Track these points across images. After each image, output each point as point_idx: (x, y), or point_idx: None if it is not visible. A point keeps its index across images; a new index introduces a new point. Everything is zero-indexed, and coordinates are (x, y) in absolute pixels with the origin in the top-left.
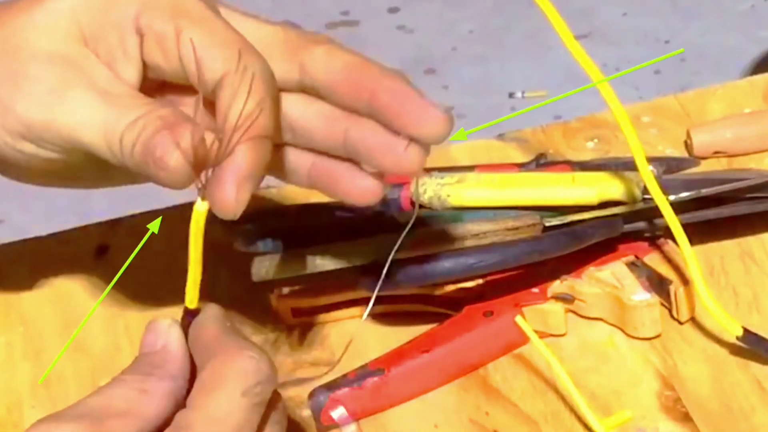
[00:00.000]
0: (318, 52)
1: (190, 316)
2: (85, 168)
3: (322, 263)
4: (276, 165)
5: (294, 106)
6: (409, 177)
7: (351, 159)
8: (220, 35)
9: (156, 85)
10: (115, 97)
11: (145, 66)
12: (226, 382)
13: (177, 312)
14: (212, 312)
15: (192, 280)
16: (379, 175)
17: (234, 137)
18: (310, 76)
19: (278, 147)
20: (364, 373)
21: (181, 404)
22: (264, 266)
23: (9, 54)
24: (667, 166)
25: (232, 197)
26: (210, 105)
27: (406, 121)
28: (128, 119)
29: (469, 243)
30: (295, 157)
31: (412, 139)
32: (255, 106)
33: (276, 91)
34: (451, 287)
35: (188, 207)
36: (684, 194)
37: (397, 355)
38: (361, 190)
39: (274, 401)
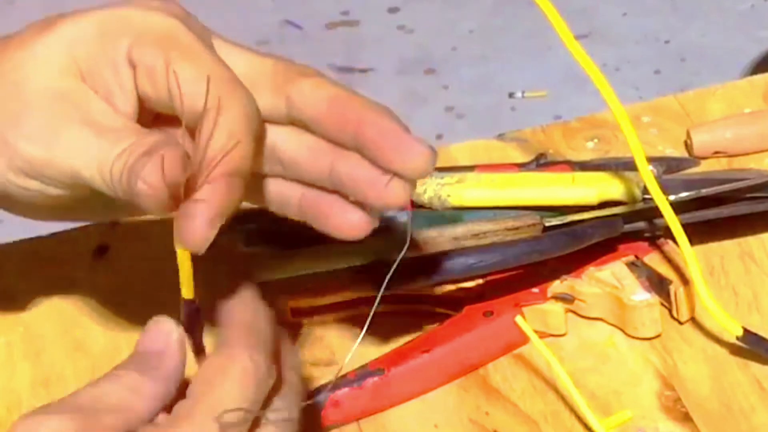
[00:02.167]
0: (305, 85)
1: (187, 306)
2: (91, 202)
3: (321, 263)
4: (266, 196)
5: (282, 139)
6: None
7: (338, 191)
8: (207, 69)
9: (153, 117)
10: (108, 130)
11: (140, 98)
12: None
13: (176, 313)
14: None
15: (185, 272)
16: (367, 207)
17: (207, 172)
18: (297, 109)
19: (268, 178)
20: (364, 373)
21: (167, 408)
22: (264, 266)
23: (9, 91)
24: (667, 166)
25: (199, 235)
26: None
27: (390, 157)
28: (119, 150)
29: (469, 243)
30: (285, 189)
31: (395, 174)
32: (231, 142)
33: (259, 128)
34: (451, 287)
35: None
36: (684, 194)
37: (397, 355)
38: (350, 224)
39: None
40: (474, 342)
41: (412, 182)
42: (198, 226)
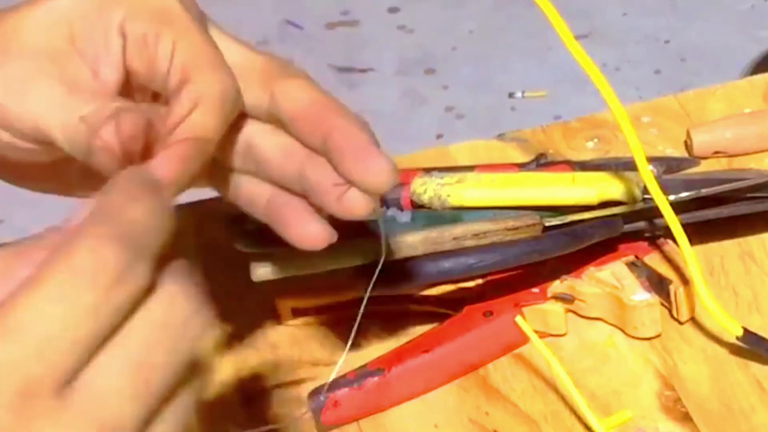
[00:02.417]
0: (290, 84)
1: None
2: (64, 168)
3: (322, 263)
4: (236, 191)
5: (260, 136)
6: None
7: (306, 196)
8: (194, 45)
9: (138, 93)
10: (82, 91)
11: (128, 72)
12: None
13: None
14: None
15: None
16: (330, 219)
17: (168, 142)
18: (278, 106)
19: (240, 174)
20: (364, 373)
21: None
22: (264, 266)
23: (1, 49)
24: (667, 166)
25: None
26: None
27: (351, 166)
28: (85, 111)
29: (469, 243)
30: (256, 188)
31: (353, 184)
32: (201, 119)
33: (234, 110)
34: (451, 287)
35: (187, 207)
36: (684, 194)
37: (397, 355)
38: (308, 235)
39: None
40: (474, 342)
41: (372, 195)
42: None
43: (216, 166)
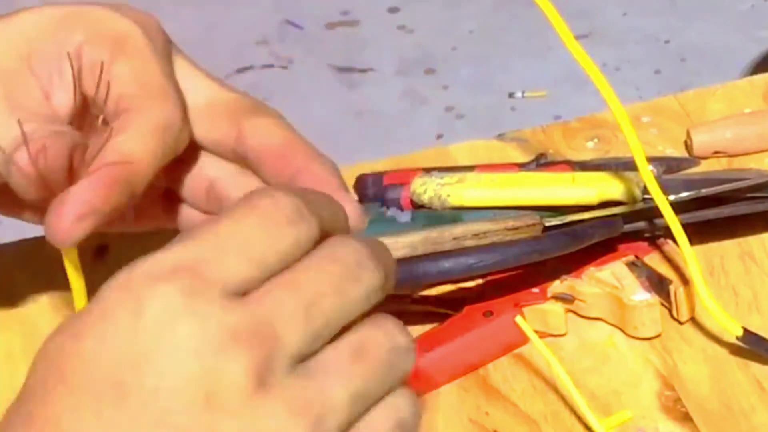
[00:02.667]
0: (261, 122)
1: None
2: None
3: None
4: (181, 225)
5: (224, 177)
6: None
7: None
8: (145, 74)
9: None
10: (21, 111)
11: (84, 99)
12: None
13: None
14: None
15: (75, 281)
16: None
17: (92, 168)
18: (244, 144)
19: (194, 211)
20: None
21: None
22: None
23: None
24: (667, 166)
25: (63, 229)
26: None
27: None
28: (17, 132)
29: (469, 243)
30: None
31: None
32: (130, 145)
33: (175, 144)
34: (451, 287)
35: None
36: (684, 194)
37: None
38: None
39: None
40: (474, 342)
41: None
42: (63, 220)
43: (177, 205)
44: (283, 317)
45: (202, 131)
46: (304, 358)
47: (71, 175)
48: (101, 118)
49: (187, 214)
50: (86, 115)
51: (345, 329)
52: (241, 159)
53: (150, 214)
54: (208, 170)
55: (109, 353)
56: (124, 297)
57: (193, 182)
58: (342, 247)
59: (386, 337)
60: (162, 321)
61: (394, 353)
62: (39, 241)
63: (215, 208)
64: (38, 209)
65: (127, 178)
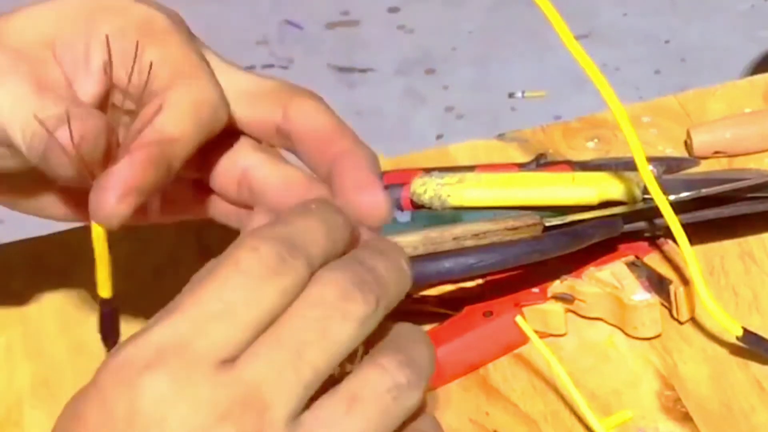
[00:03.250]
0: (307, 104)
1: (103, 307)
2: (24, 182)
3: None
4: (228, 217)
5: (257, 166)
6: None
7: None
8: (176, 54)
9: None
10: (48, 93)
11: (112, 87)
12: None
13: None
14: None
15: (101, 263)
16: None
17: (133, 147)
18: (290, 125)
19: (218, 198)
20: None
21: None
22: None
23: None
24: (667, 166)
25: (109, 208)
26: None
27: (350, 196)
28: (49, 113)
29: (469, 243)
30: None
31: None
32: (171, 127)
33: (213, 122)
34: (451, 287)
35: None
36: (684, 194)
37: None
38: None
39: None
40: (474, 342)
41: (368, 226)
42: (108, 199)
43: (207, 195)
44: (272, 379)
45: (244, 113)
46: (299, 412)
47: (107, 155)
48: (125, 104)
49: (216, 204)
50: (108, 104)
51: (349, 359)
52: (283, 140)
53: (180, 205)
54: (240, 159)
55: None
56: (118, 386)
57: (225, 171)
58: (323, 286)
59: (383, 377)
60: (154, 411)
61: (394, 393)
62: (39, 241)
63: (246, 198)
64: (63, 197)
65: (165, 155)
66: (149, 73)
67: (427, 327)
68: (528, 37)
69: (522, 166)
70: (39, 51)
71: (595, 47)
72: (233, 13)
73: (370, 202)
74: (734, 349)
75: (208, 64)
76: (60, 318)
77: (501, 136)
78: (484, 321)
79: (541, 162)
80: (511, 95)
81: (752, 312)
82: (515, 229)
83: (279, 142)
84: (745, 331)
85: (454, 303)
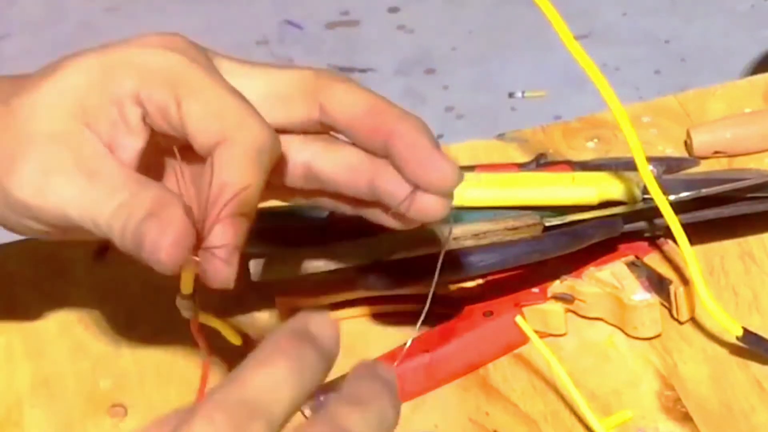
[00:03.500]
0: (337, 91)
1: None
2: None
3: (321, 263)
4: (316, 202)
5: (319, 157)
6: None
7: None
8: (217, 103)
9: (165, 147)
10: (101, 178)
11: (153, 133)
12: None
13: (177, 312)
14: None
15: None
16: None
17: (216, 212)
18: (330, 116)
19: (310, 195)
20: None
21: None
22: (264, 266)
23: (10, 133)
24: (667, 166)
25: (225, 275)
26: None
27: (416, 172)
28: (112, 205)
29: (469, 243)
30: (331, 204)
31: (420, 188)
32: (240, 180)
33: (273, 158)
34: (451, 287)
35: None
36: (684, 194)
37: (397, 355)
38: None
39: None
40: (474, 342)
41: (444, 196)
42: (221, 268)
43: (279, 192)
44: None
45: (282, 117)
46: None
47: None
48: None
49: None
50: (150, 151)
51: None
52: (329, 129)
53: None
54: (299, 155)
55: None
56: None
57: (289, 170)
58: None
59: None
60: None
61: None
62: (39, 241)
63: (315, 185)
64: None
65: (246, 204)
66: (183, 128)
67: (427, 327)
68: (528, 37)
69: (522, 166)
70: (71, 125)
71: (595, 47)
72: (233, 13)
73: (437, 175)
74: (734, 349)
75: (243, 97)
76: (60, 318)
77: (501, 136)
78: (484, 321)
79: (541, 162)
80: (511, 95)
81: (752, 312)
82: (515, 229)
83: (326, 130)
84: (745, 331)
85: (454, 303)
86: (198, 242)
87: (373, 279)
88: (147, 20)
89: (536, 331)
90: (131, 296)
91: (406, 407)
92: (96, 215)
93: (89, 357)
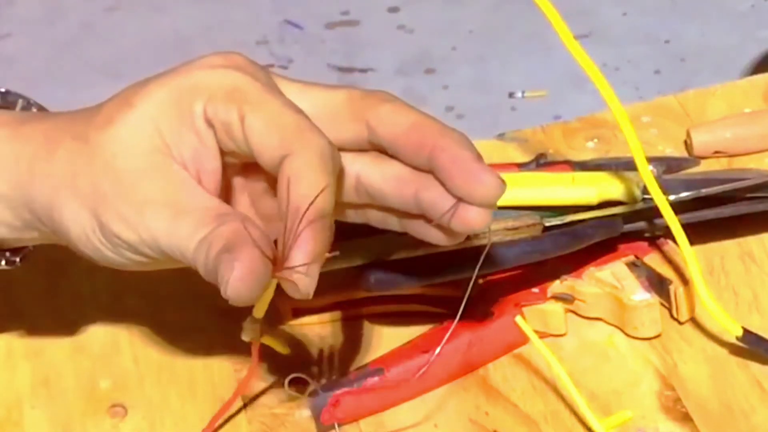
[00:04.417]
0: (383, 111)
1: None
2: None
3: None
4: (363, 218)
5: (367, 170)
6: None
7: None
8: (279, 117)
9: (239, 168)
10: (188, 212)
11: (222, 153)
12: None
13: (177, 312)
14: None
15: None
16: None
17: (296, 223)
18: (377, 135)
19: (359, 208)
20: (364, 373)
21: None
22: None
23: (97, 169)
24: (667, 166)
25: (308, 287)
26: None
27: (459, 184)
28: (198, 236)
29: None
30: (380, 217)
31: (464, 201)
32: (313, 188)
33: (337, 166)
34: (451, 287)
35: None
36: (684, 194)
37: (397, 355)
38: (438, 239)
39: None
40: (474, 342)
41: (487, 207)
42: (305, 285)
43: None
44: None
45: (333, 136)
46: None
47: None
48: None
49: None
50: (231, 169)
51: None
52: (376, 147)
53: None
54: (350, 168)
55: None
56: None
57: (342, 182)
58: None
59: None
60: None
61: None
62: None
63: (365, 199)
64: None
65: (323, 212)
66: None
67: (427, 327)
68: (528, 37)
69: (522, 166)
70: (159, 161)
71: (595, 47)
72: (233, 13)
73: (481, 187)
74: (734, 349)
75: (294, 107)
76: (60, 318)
77: (501, 136)
78: (484, 321)
79: (541, 162)
80: (511, 95)
81: (752, 312)
82: (515, 229)
83: (374, 149)
84: (745, 331)
85: (454, 303)
86: (277, 258)
87: (374, 279)
88: (147, 20)
89: (536, 331)
90: (131, 296)
91: (406, 407)
92: (184, 249)
93: (89, 357)
